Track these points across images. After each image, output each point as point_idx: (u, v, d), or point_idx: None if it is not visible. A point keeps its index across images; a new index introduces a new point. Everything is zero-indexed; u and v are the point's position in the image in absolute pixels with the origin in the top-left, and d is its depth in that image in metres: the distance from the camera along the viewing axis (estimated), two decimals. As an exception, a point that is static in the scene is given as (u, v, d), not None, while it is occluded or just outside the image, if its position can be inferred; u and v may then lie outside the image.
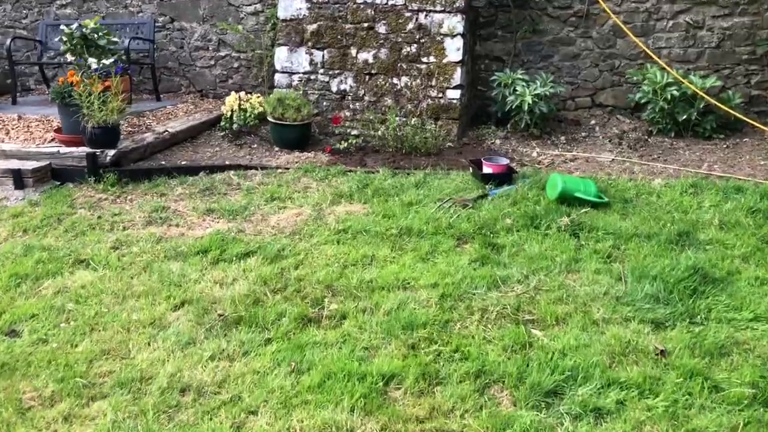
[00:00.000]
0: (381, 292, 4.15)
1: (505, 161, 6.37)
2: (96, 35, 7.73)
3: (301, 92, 8.25)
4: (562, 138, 7.91)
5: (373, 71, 8.11)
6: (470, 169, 6.50)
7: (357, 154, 7.56)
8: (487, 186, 6.02)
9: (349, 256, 4.68)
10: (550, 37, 8.62)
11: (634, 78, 8.12)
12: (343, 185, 6.33)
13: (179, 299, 4.15)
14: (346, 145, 7.62)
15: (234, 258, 4.71)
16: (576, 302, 3.99)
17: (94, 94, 6.50)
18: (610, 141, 7.70)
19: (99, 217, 5.60)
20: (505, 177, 6.12)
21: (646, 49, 8.00)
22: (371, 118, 7.91)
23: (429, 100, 7.94)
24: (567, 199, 5.42)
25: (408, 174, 6.66)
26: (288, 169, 6.99)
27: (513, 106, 7.72)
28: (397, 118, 7.77)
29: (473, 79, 8.67)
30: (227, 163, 7.13)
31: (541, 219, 5.07)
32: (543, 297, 4.07)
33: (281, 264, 4.60)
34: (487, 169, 6.19)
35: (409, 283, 4.27)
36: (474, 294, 4.11)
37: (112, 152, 6.61)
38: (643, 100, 7.70)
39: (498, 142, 7.90)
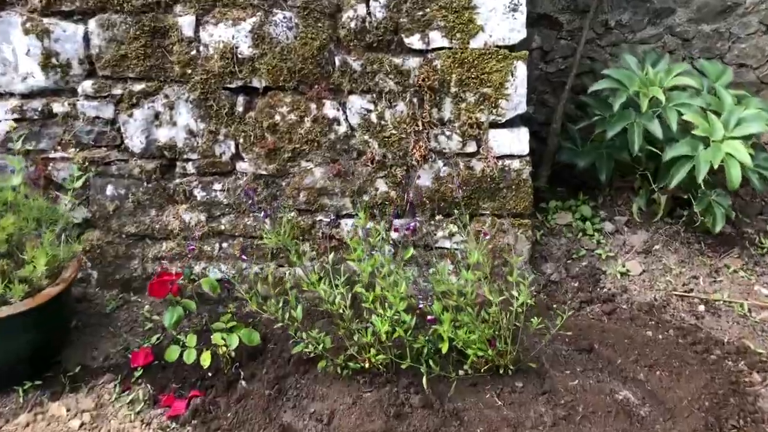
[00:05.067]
0: None
1: None
2: None
3: (19, 172, 2.82)
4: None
5: (252, 80, 2.95)
6: None
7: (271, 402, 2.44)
8: None
9: None
10: (672, -35, 3.96)
11: None
12: None
13: None
14: (208, 360, 2.46)
15: None
16: None
17: None
18: None
19: None
20: None
21: None
22: (271, 236, 2.71)
23: (440, 165, 3.00)
24: None
25: None
26: None
27: (693, 173, 2.98)
28: (359, 231, 2.74)
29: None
30: None
31: None
32: None
33: None
34: None
35: None
36: None
37: None
38: None
39: (641, 273, 3.16)
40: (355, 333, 2.49)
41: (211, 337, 2.56)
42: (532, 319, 2.47)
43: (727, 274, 3.11)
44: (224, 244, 3.08)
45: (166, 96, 2.95)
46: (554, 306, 2.98)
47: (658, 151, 3.24)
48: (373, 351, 2.41)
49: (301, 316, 2.45)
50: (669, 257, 3.22)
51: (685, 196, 3.35)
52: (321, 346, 2.47)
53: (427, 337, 2.41)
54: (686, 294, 3.00)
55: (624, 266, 3.17)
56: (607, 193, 3.69)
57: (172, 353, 2.55)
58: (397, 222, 3.02)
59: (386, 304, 2.38)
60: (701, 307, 2.92)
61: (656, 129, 3.08)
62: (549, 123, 3.92)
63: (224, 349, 2.54)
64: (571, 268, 3.18)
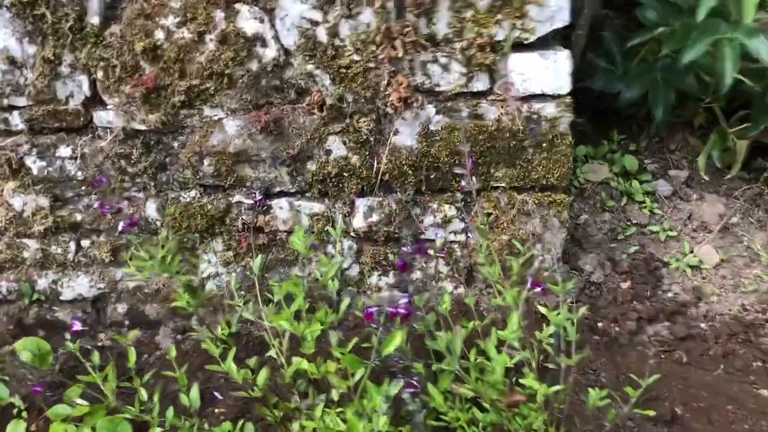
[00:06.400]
0: None
1: None
2: None
3: None
4: None
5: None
6: None
7: None
8: None
9: None
10: None
11: None
12: None
13: None
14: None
15: None
16: None
17: None
18: None
19: None
20: None
21: None
22: (144, 263, 1.62)
23: (430, 112, 1.90)
24: None
25: None
26: None
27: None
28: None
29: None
30: None
31: None
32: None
33: None
34: None
35: None
36: None
37: None
38: None
39: (718, 264, 2.19)
40: (297, 418, 1.50)
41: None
42: (591, 389, 1.50)
43: None
44: (84, 243, 1.98)
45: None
46: (599, 325, 2.02)
47: (739, 76, 2.21)
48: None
49: (198, 404, 1.44)
50: (754, 236, 2.26)
51: (773, 142, 2.37)
52: (238, 450, 1.47)
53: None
54: (790, 301, 2.07)
55: (694, 254, 2.21)
56: (654, 131, 2.67)
57: (-15, 456, 1.53)
58: (361, 203, 1.96)
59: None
60: None
61: (762, 49, 2.02)
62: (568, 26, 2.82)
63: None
64: (617, 259, 2.20)
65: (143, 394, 1.38)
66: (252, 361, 1.57)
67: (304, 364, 1.38)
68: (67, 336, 2.01)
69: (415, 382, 1.32)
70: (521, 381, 1.48)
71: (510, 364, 1.34)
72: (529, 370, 1.53)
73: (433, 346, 1.35)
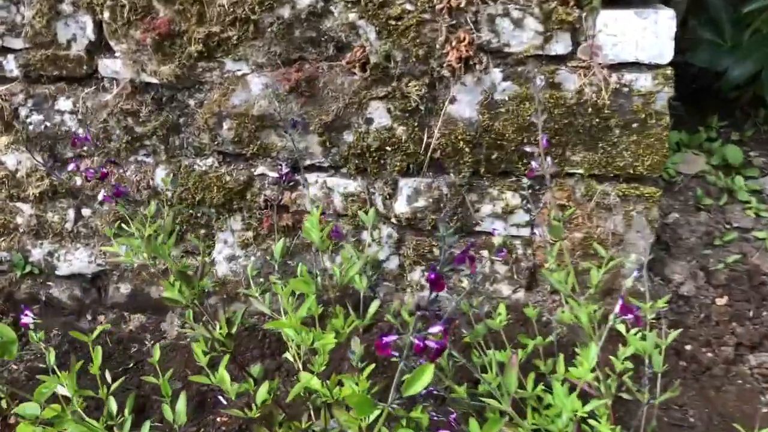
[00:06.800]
0: None
1: None
2: None
3: None
4: None
5: None
6: None
7: None
8: None
9: None
10: None
11: None
12: None
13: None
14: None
15: None
16: None
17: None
18: None
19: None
20: None
21: None
22: (135, 245, 1.35)
23: (495, 77, 1.57)
24: None
25: None
26: None
27: None
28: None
29: None
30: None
31: None
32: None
33: None
34: None
35: None
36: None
37: None
38: None
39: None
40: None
41: None
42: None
43: None
44: (85, 211, 1.74)
45: None
46: (687, 348, 1.67)
47: None
48: None
49: (183, 420, 1.17)
50: None
51: None
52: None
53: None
54: None
55: (810, 269, 1.82)
56: (763, 118, 2.27)
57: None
58: (405, 183, 1.65)
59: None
60: None
61: None
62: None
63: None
64: (713, 269, 1.83)
65: (113, 405, 1.12)
66: (256, 369, 1.30)
67: (314, 383, 1.10)
68: (66, 315, 1.81)
69: (452, 423, 1.02)
70: (591, 423, 1.17)
71: (583, 413, 1.01)
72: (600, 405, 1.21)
73: (482, 379, 1.04)
